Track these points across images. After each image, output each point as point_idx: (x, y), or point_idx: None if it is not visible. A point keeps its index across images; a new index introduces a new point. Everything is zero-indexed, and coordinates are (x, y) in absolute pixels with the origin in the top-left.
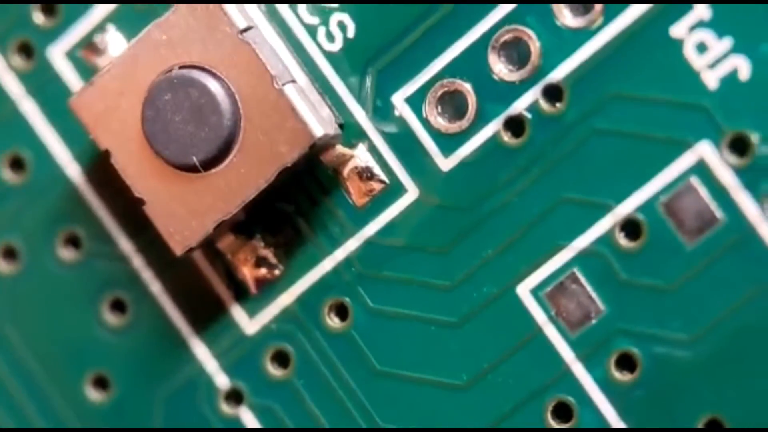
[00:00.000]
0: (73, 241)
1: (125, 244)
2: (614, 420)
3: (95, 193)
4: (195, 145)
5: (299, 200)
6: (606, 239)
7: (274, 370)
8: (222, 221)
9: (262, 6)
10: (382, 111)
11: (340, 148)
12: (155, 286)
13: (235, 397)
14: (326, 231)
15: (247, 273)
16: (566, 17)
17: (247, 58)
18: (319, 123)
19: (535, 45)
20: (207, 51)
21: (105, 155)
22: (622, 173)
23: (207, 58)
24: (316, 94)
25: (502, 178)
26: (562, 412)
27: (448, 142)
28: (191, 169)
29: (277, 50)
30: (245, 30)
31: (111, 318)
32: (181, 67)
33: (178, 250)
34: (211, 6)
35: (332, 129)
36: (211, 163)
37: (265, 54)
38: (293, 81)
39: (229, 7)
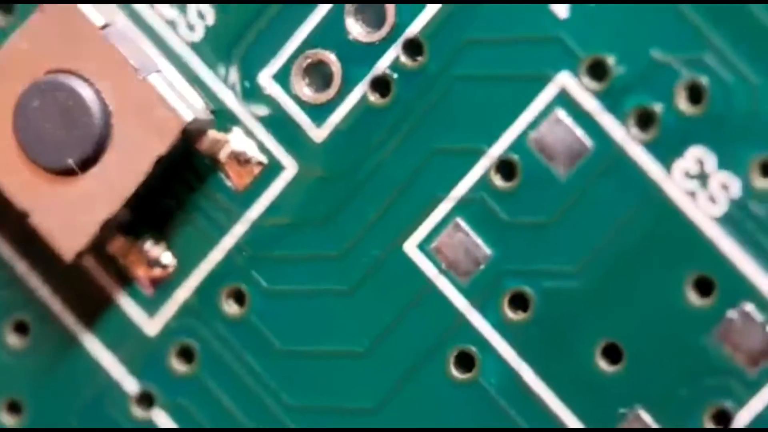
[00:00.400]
0: None
1: (20, 266)
2: (515, 360)
3: None
4: (69, 148)
5: (182, 194)
6: (483, 183)
7: (180, 367)
8: (107, 220)
9: (120, 5)
10: (251, 92)
11: (214, 134)
12: (54, 303)
13: (146, 399)
14: (212, 220)
15: (141, 274)
16: None
17: (109, 55)
18: (188, 108)
19: (389, 3)
20: (69, 53)
21: None
22: (490, 116)
23: (70, 60)
24: (184, 83)
25: (375, 140)
26: (464, 361)
27: (319, 113)
28: (69, 172)
29: (139, 44)
30: (104, 27)
31: (14, 341)
32: (46, 73)
33: (68, 255)
34: (68, 7)
35: (203, 114)
36: (87, 163)
37: (126, 48)
38: (158, 71)
39: (85, 7)
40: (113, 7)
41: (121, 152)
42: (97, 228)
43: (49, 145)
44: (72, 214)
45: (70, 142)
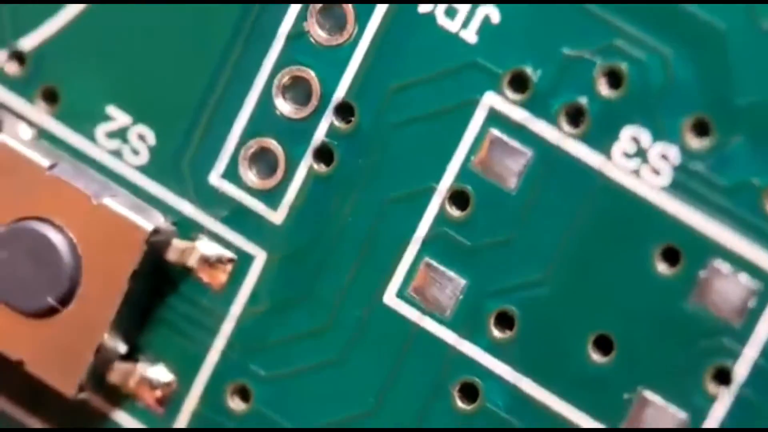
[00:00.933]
0: None
1: (31, 422)
2: (513, 377)
3: None
4: (45, 288)
5: (165, 308)
6: (441, 219)
7: None
8: (99, 347)
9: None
10: (205, 196)
11: (179, 243)
12: None
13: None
14: (200, 326)
15: (147, 397)
16: (325, 39)
17: (62, 191)
18: (149, 220)
19: (311, 75)
20: (24, 199)
21: None
22: (431, 154)
23: (27, 206)
24: (140, 202)
25: (330, 207)
26: (468, 392)
27: (273, 197)
28: (51, 311)
29: (90, 175)
30: (51, 167)
31: None
32: (6, 224)
33: (70, 392)
34: (12, 155)
35: (164, 225)
36: (66, 298)
37: (77, 181)
38: (113, 195)
39: (29, 152)
40: (57, 151)
41: (95, 279)
42: (91, 357)
43: (25, 290)
44: (64, 351)
45: (45, 283)
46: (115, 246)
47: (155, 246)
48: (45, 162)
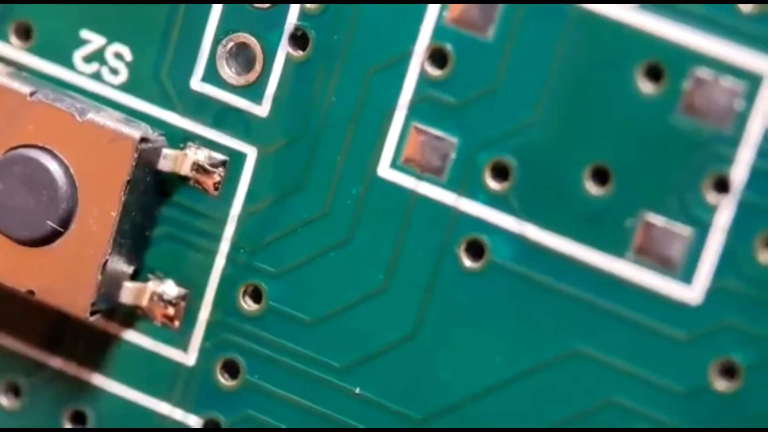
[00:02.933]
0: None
1: (54, 361)
2: (517, 226)
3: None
4: (44, 213)
5: (166, 221)
6: (422, 81)
7: (230, 382)
8: (105, 264)
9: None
10: (189, 102)
11: (170, 152)
12: (97, 379)
13: (214, 429)
14: (202, 232)
15: (161, 314)
16: None
17: (46, 114)
18: (135, 130)
19: None
20: (11, 129)
21: None
22: (403, 17)
23: (13, 134)
24: (126, 117)
25: (313, 91)
26: (475, 250)
27: (255, 91)
28: (53, 236)
29: (72, 98)
30: (32, 94)
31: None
32: None
33: (84, 313)
34: None
35: (152, 135)
36: (66, 220)
37: (61, 103)
38: (97, 110)
39: (8, 81)
40: (37, 81)
41: (91, 196)
42: (98, 276)
43: (25, 218)
44: (71, 274)
45: (43, 208)
46: (106, 160)
47: (146, 156)
48: (26, 89)
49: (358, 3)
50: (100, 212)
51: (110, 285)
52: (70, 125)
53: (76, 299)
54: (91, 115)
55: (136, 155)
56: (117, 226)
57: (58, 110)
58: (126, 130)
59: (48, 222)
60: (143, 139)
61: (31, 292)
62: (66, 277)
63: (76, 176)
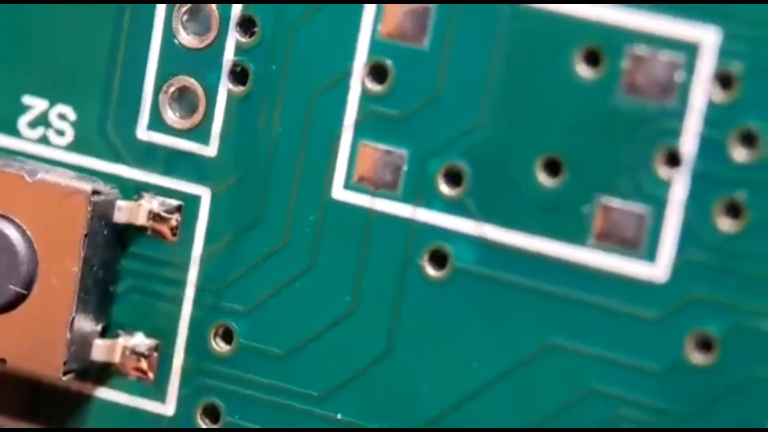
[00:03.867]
0: None
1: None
2: (476, 228)
3: None
4: (6, 278)
5: (129, 277)
6: (364, 98)
7: (211, 426)
8: (72, 320)
9: None
10: (137, 153)
11: (124, 203)
12: None
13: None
14: (166, 280)
15: (134, 368)
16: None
17: None
18: (86, 183)
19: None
20: None
21: None
22: (338, 37)
23: None
24: (76, 174)
25: (259, 124)
26: (438, 258)
27: (202, 132)
28: (17, 300)
29: (20, 162)
30: None
31: None
32: None
33: (56, 373)
34: None
35: (103, 187)
36: (28, 282)
37: (9, 167)
38: (47, 171)
39: None
40: None
41: (51, 254)
42: (67, 334)
43: None
44: (40, 336)
45: (4, 274)
46: (61, 217)
47: (100, 209)
48: None
49: (295, 26)
50: (61, 269)
51: (80, 344)
52: (21, 187)
53: (48, 361)
54: (41, 175)
55: (90, 208)
56: (80, 281)
57: (7, 174)
58: (77, 184)
59: (10, 286)
60: (95, 192)
61: (3, 360)
62: (35, 340)
63: (33, 237)
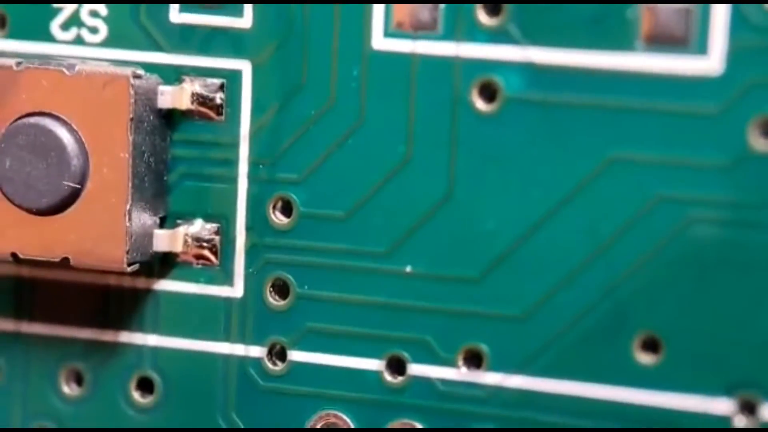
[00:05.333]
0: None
1: (106, 335)
2: (522, 55)
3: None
4: (58, 174)
5: (180, 163)
6: None
7: (282, 302)
8: (130, 209)
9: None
10: (174, 36)
11: (166, 87)
12: (152, 339)
13: (278, 353)
14: (218, 162)
15: (198, 255)
16: None
17: (37, 78)
18: (125, 69)
19: None
20: (6, 103)
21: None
22: None
23: (11, 108)
24: (114, 66)
25: None
26: (487, 92)
27: (234, 5)
28: (73, 196)
29: (57, 60)
30: (18, 64)
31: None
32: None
33: (121, 265)
34: None
35: (142, 72)
36: (81, 176)
37: (48, 65)
38: (83, 63)
39: None
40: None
41: (99, 145)
42: (125, 223)
43: (41, 187)
44: (98, 231)
45: (56, 171)
46: (105, 105)
47: (143, 93)
48: (10, 62)
49: None
50: (112, 158)
51: (141, 235)
52: (61, 82)
53: (111, 254)
54: (79, 67)
55: (132, 92)
56: (132, 168)
57: (46, 71)
58: (117, 70)
59: (64, 182)
60: (135, 76)
61: (66, 260)
62: (95, 234)
63: (79, 130)
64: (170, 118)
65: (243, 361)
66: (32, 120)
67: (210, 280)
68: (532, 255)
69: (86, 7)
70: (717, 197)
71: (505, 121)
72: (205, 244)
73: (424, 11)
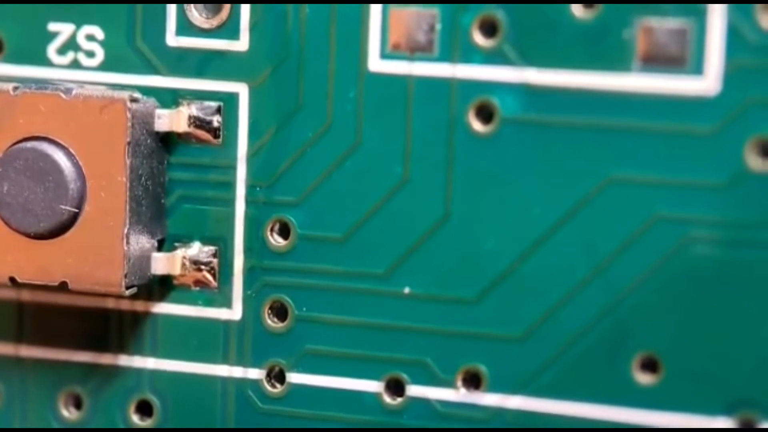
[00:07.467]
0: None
1: (104, 358)
2: (519, 76)
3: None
4: (56, 198)
5: (178, 186)
6: None
7: (280, 324)
8: (127, 231)
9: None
10: (170, 60)
11: (163, 111)
12: (151, 362)
13: (276, 375)
14: (216, 184)
15: (196, 278)
16: None
17: (34, 103)
18: (122, 92)
19: None
20: (3, 128)
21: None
22: None
23: (8, 133)
24: (111, 90)
25: (284, 8)
26: (483, 113)
27: (231, 27)
28: (70, 220)
29: (54, 84)
30: (16, 89)
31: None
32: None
33: (119, 289)
34: None
35: (139, 96)
36: (78, 200)
37: (45, 90)
38: (80, 87)
39: None
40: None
41: (97, 168)
42: (123, 245)
43: (39, 211)
44: (97, 253)
45: (53, 195)
46: (102, 129)
47: (140, 116)
48: (8, 86)
49: None
50: (109, 182)
51: (139, 258)
52: (58, 106)
53: (109, 277)
54: (76, 91)
55: (129, 115)
56: (129, 191)
57: (43, 95)
58: (114, 94)
59: (61, 206)
60: (133, 99)
61: (64, 284)
62: (93, 258)
63: (77, 154)
64: (167, 141)
65: (242, 383)
66: (29, 144)
67: (208, 303)
68: (530, 275)
69: (83, 31)
70: (715, 217)
71: (502, 142)
72: (203, 267)
73: (420, 32)
